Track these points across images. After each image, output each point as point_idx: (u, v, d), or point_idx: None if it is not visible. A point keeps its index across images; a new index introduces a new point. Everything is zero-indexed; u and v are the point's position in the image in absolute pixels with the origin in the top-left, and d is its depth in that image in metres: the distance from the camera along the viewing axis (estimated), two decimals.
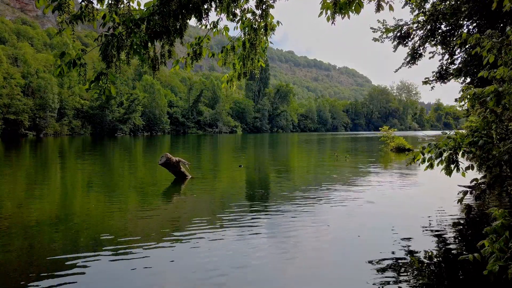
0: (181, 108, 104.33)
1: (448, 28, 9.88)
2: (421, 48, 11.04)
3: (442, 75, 10.68)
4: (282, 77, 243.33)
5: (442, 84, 10.89)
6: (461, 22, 9.35)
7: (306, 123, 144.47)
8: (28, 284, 4.34)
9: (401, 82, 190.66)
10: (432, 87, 11.20)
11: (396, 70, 12.15)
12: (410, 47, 11.27)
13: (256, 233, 6.37)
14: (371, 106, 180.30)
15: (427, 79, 11.17)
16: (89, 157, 24.22)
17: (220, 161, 20.70)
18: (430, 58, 11.04)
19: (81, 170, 16.40)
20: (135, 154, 26.95)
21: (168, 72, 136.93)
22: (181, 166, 12.16)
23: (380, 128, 29.19)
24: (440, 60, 10.72)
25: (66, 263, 5.00)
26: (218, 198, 9.76)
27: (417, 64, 11.20)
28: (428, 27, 10.07)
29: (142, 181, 13.04)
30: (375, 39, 11.44)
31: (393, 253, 5.36)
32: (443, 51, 10.51)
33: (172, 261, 5.10)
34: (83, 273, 4.68)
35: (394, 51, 11.49)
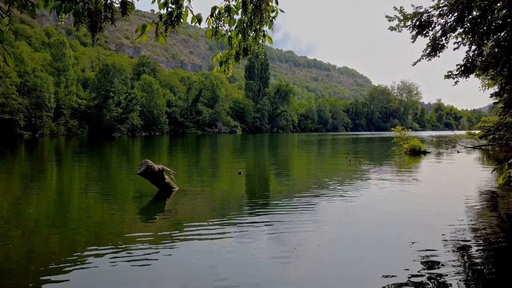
0: (180, 107, 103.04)
1: (478, 13, 8.61)
2: (443, 38, 9.80)
3: (468, 69, 9.45)
4: (282, 77, 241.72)
5: (467, 79, 9.66)
6: (497, 5, 8.09)
7: (306, 123, 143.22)
8: (28, 285, 4.38)
9: (402, 82, 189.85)
10: (456, 82, 9.94)
11: (415, 63, 10.83)
12: (431, 37, 10.03)
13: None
14: (372, 106, 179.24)
15: (450, 73, 9.93)
16: (82, 158, 23.02)
17: (218, 166, 18.34)
18: (454, 49, 9.79)
19: (77, 172, 15.53)
20: (121, 159, 25.71)
21: (167, 71, 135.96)
22: (166, 176, 9.58)
23: (392, 129, 27.58)
24: (466, 52, 9.48)
25: (65, 263, 5.01)
26: (208, 214, 7.58)
27: (438, 57, 9.96)
28: (456, 13, 8.81)
29: (123, 192, 11.62)
30: (391, 28, 10.16)
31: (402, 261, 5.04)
32: (470, 41, 9.26)
33: (172, 264, 5.02)
34: (83, 274, 4.69)
35: (413, 42, 10.23)
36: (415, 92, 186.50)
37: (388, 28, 10.24)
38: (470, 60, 9.40)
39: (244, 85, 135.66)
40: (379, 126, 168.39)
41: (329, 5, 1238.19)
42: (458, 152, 24.76)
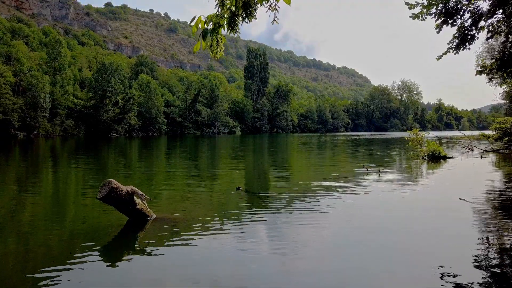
0: (178, 107, 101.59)
1: None
2: (473, 27, 8.49)
3: (506, 63, 8.11)
4: (281, 77, 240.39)
5: (504, 74, 8.33)
6: None
7: (306, 124, 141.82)
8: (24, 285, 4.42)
9: (402, 81, 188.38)
10: (490, 79, 8.62)
11: (439, 57, 9.46)
12: (459, 26, 8.72)
13: None
14: (372, 106, 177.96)
15: (483, 69, 8.60)
16: (77, 161, 21.72)
17: (213, 177, 14.66)
18: (487, 39, 8.48)
19: (72, 175, 14.69)
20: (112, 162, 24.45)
21: (166, 71, 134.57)
22: (136, 200, 7.13)
23: (408, 130, 25.31)
24: (503, 43, 8.16)
25: (62, 264, 5.02)
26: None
27: (469, 49, 8.65)
28: None
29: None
30: (414, 16, 8.84)
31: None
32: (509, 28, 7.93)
33: (169, 268, 4.96)
34: (80, 275, 4.67)
35: (438, 32, 8.91)
36: (415, 92, 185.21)
37: (410, 16, 8.92)
38: (508, 52, 8.11)
39: (243, 84, 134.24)
40: (379, 126, 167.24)
41: (329, 5, 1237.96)
42: (482, 157, 21.87)
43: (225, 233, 6.50)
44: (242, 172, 16.46)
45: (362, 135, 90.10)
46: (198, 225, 6.95)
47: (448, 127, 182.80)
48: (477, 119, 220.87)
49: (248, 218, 7.53)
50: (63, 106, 71.52)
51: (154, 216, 7.50)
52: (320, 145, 40.48)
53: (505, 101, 44.36)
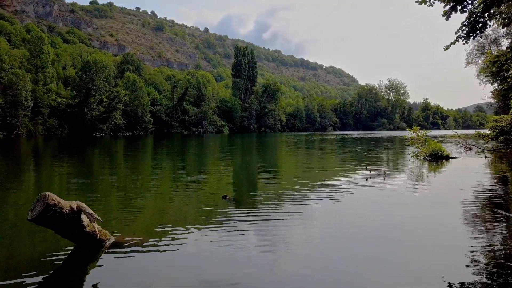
0: (165, 106, 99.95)
1: None
2: (485, 14, 7.71)
3: None
4: (269, 76, 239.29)
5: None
6: None
7: (294, 123, 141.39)
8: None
9: (389, 81, 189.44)
10: (503, 70, 7.85)
11: (447, 47, 8.64)
12: (469, 13, 7.94)
13: None
14: (360, 105, 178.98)
15: (496, 59, 7.81)
16: (60, 160, 20.53)
17: (198, 184, 12.14)
18: (500, 25, 7.70)
19: (55, 176, 13.34)
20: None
21: (152, 70, 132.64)
22: (84, 220, 5.33)
23: (408, 129, 24.08)
24: None
25: (48, 265, 4.85)
26: None
27: (480, 37, 7.89)
28: None
29: (105, 196, 9.29)
30: (421, 1, 8.06)
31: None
32: None
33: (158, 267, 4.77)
34: (63, 277, 4.54)
35: (446, 19, 8.11)
36: (402, 91, 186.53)
37: (416, 1, 8.15)
38: None
39: (231, 83, 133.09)
40: (367, 126, 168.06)
41: (319, 6, 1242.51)
42: (486, 157, 20.82)
43: (208, 250, 5.58)
44: (229, 175, 15.52)
45: (350, 134, 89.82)
46: (164, 252, 5.40)
47: (435, 126, 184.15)
48: (463, 118, 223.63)
49: (235, 227, 6.72)
50: (45, 105, 69.48)
51: (112, 239, 5.73)
52: (309, 145, 39.71)
53: (495, 100, 44.31)
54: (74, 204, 5.24)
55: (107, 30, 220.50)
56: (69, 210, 5.10)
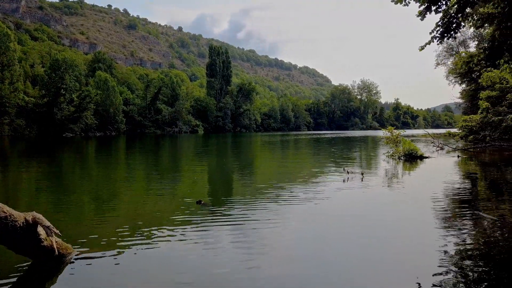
0: (138, 106, 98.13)
1: None
2: (459, 15, 7.72)
3: (495, 52, 7.37)
4: (244, 76, 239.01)
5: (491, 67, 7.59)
6: None
7: (269, 123, 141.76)
8: None
9: (362, 81, 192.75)
10: (474, 71, 7.84)
11: (422, 48, 8.64)
12: (443, 13, 7.94)
13: None
14: (333, 105, 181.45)
15: (470, 60, 7.83)
16: (28, 162, 19.61)
17: (170, 186, 11.69)
18: (477, 27, 7.73)
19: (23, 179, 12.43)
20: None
21: (125, 68, 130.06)
22: (41, 234, 4.71)
23: (383, 129, 24.09)
24: (493, 31, 7.44)
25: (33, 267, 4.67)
26: None
27: (454, 38, 7.90)
28: None
29: (78, 200, 8.81)
30: (397, 0, 8.01)
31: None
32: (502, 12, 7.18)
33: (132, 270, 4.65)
34: (49, 278, 4.38)
35: (422, 19, 8.09)
36: (374, 91, 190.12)
37: (392, 1, 8.10)
38: (498, 42, 7.41)
39: (205, 83, 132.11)
40: (340, 125, 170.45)
41: (292, 6, 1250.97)
42: (458, 156, 21.17)
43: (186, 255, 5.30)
44: (204, 177, 15.20)
45: (324, 133, 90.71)
46: (134, 261, 4.98)
47: (405, 125, 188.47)
48: (432, 118, 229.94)
49: (210, 230, 6.48)
50: (12, 104, 66.91)
51: (75, 253, 5.14)
52: (284, 145, 39.71)
53: (463, 100, 45.57)
54: (30, 215, 4.62)
55: (78, 28, 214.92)
56: (23, 222, 4.51)
